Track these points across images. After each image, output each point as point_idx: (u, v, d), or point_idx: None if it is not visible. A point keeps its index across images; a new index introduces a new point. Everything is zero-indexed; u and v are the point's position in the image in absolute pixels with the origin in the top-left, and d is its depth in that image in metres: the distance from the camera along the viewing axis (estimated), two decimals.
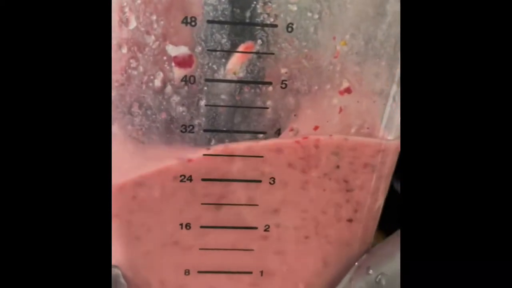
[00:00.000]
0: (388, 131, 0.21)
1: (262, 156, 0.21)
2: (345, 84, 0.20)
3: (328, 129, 0.21)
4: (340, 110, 0.21)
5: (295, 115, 0.20)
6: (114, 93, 0.19)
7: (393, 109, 0.21)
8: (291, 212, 0.22)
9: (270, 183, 0.22)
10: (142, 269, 0.24)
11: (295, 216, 0.23)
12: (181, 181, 0.21)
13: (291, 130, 0.20)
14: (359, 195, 0.22)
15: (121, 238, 0.23)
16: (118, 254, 0.23)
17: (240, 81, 0.19)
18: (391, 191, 0.27)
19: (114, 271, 0.24)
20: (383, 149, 0.21)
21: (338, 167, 0.21)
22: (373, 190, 0.22)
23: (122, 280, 0.24)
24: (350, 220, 0.23)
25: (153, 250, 0.23)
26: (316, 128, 0.21)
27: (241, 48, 0.19)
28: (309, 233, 0.23)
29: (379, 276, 0.22)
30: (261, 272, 0.24)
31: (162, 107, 0.20)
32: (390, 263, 0.22)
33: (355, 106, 0.20)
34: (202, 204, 0.22)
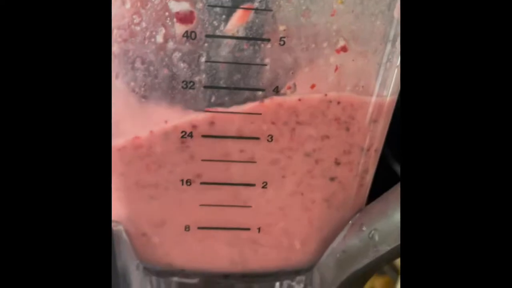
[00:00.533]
0: (383, 89, 0.21)
1: (260, 114, 0.21)
2: (341, 43, 0.20)
3: (324, 87, 0.21)
4: (336, 68, 0.21)
5: (292, 73, 0.20)
6: (117, 49, 0.20)
7: (388, 68, 0.21)
8: (288, 169, 0.23)
9: (268, 140, 0.22)
10: (143, 226, 0.24)
11: (292, 173, 0.23)
12: (182, 137, 0.22)
13: (289, 88, 0.21)
14: (354, 154, 0.23)
15: (122, 194, 0.23)
16: (119, 210, 0.24)
17: (239, 37, 0.19)
18: (391, 173, 0.27)
19: (116, 227, 0.24)
20: (378, 106, 0.21)
21: (334, 123, 0.21)
22: (367, 147, 0.22)
23: (125, 236, 0.24)
24: (344, 179, 0.24)
25: (154, 207, 0.23)
26: (313, 86, 0.21)
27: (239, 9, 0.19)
28: (305, 190, 0.23)
29: (372, 232, 0.23)
30: (259, 228, 0.24)
31: (164, 63, 0.20)
32: (383, 220, 0.23)
33: (350, 64, 0.21)
34: (202, 160, 0.22)
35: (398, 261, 0.33)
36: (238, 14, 0.20)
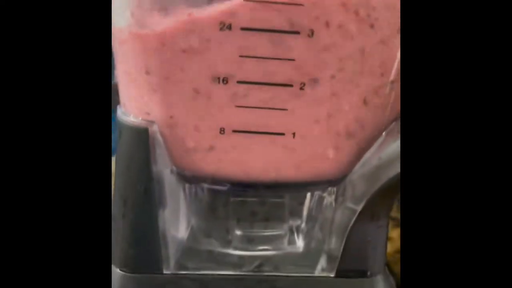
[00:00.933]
0: None
1: (302, 5, 0.20)
2: None
3: None
4: None
5: None
6: None
7: None
8: (328, 69, 0.22)
9: (309, 35, 0.21)
10: (177, 126, 0.23)
11: (331, 74, 0.22)
12: (220, 29, 0.21)
13: None
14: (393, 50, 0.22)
15: (156, 93, 0.23)
16: (154, 109, 0.23)
17: None
18: None
19: (152, 126, 0.23)
20: None
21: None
22: None
23: (159, 137, 0.24)
24: (385, 84, 0.23)
25: (188, 106, 0.23)
26: None
27: None
28: (342, 95, 0.23)
29: None
30: (293, 134, 0.23)
31: None
32: None
33: None
34: (240, 56, 0.21)
35: None
36: None
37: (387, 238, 0.25)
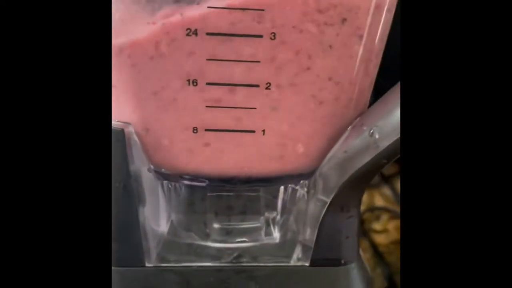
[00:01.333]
0: None
1: (263, 10, 0.21)
2: None
3: None
4: None
5: None
6: None
7: None
8: (291, 68, 0.22)
9: (271, 38, 0.22)
10: (152, 127, 0.24)
11: (294, 72, 0.23)
12: (187, 35, 0.21)
13: None
14: (355, 49, 0.22)
15: (131, 96, 0.23)
16: (129, 112, 0.24)
17: None
18: None
19: (127, 128, 0.24)
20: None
21: (334, 15, 0.21)
22: (369, 48, 0.22)
23: (135, 138, 0.24)
24: (346, 79, 0.23)
25: (161, 108, 0.23)
26: None
27: None
28: (308, 91, 0.23)
29: (372, 130, 0.23)
30: (263, 131, 0.24)
31: None
32: (383, 118, 0.23)
33: None
34: (207, 60, 0.22)
35: None
36: None
37: (359, 228, 0.26)
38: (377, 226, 0.62)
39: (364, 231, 0.60)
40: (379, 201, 0.67)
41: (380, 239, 0.60)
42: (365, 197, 0.67)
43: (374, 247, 0.57)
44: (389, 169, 0.68)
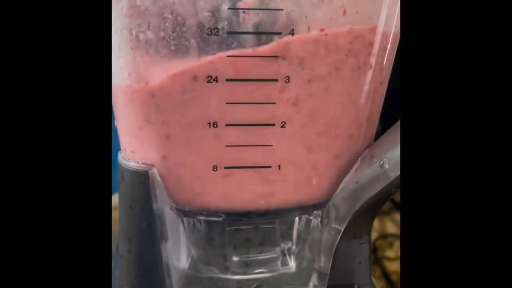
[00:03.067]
0: (388, 22, 0.25)
1: (278, 56, 0.25)
2: None
3: (334, 29, 0.25)
4: (344, 12, 0.25)
5: (305, 17, 0.24)
6: (148, 1, 0.23)
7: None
8: (304, 110, 0.27)
9: (285, 81, 0.26)
10: (174, 167, 0.28)
11: (307, 112, 0.27)
12: (208, 82, 0.25)
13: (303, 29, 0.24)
14: (363, 87, 0.27)
15: (154, 139, 0.27)
16: (153, 154, 0.28)
17: None
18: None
19: (151, 170, 0.28)
20: (384, 37, 0.25)
21: (345, 57, 0.25)
22: (377, 80, 0.26)
23: (158, 178, 0.28)
24: (356, 114, 0.27)
25: (183, 148, 0.27)
26: (322, 30, 0.25)
27: None
28: (321, 128, 0.27)
29: (382, 161, 0.27)
30: (279, 166, 0.28)
31: (190, 12, 0.24)
32: (392, 149, 0.27)
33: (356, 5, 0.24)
34: (226, 103, 0.26)
35: None
36: None
37: (370, 253, 0.30)
38: (390, 253, 0.65)
39: (377, 259, 0.63)
40: (391, 228, 0.71)
41: (393, 267, 0.62)
42: (377, 224, 0.71)
43: (386, 275, 0.60)
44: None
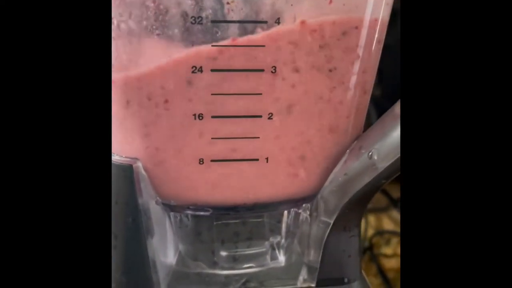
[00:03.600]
0: (375, 12, 0.25)
1: (264, 46, 0.25)
2: None
3: (320, 18, 0.25)
4: (330, 1, 0.25)
5: (291, 5, 0.24)
6: None
7: None
8: (292, 100, 0.27)
9: (272, 72, 0.26)
10: (160, 161, 0.28)
11: (294, 102, 0.27)
12: (193, 72, 0.26)
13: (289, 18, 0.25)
14: (349, 76, 0.27)
15: (138, 130, 0.28)
16: (137, 146, 0.28)
17: None
18: None
19: (135, 163, 0.28)
20: (371, 25, 0.25)
21: (333, 46, 0.25)
22: (363, 69, 0.27)
23: (143, 172, 0.28)
24: (343, 105, 0.28)
25: (168, 141, 0.28)
26: (307, 19, 0.25)
27: None
28: (307, 119, 0.28)
29: (371, 152, 0.27)
30: (266, 158, 0.28)
31: (173, 0, 0.24)
32: (381, 140, 0.27)
33: None
34: (212, 94, 0.26)
35: None
36: None
37: (360, 246, 0.30)
38: (387, 250, 0.66)
39: (373, 256, 0.64)
40: (388, 225, 0.71)
41: (390, 263, 0.63)
42: (373, 221, 0.72)
43: (383, 272, 0.60)
44: (397, 192, 0.72)
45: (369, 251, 0.64)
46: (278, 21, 0.24)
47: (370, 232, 0.69)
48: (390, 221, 0.72)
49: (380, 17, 0.26)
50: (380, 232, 0.69)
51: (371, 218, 0.72)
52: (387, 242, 0.68)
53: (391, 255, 0.64)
